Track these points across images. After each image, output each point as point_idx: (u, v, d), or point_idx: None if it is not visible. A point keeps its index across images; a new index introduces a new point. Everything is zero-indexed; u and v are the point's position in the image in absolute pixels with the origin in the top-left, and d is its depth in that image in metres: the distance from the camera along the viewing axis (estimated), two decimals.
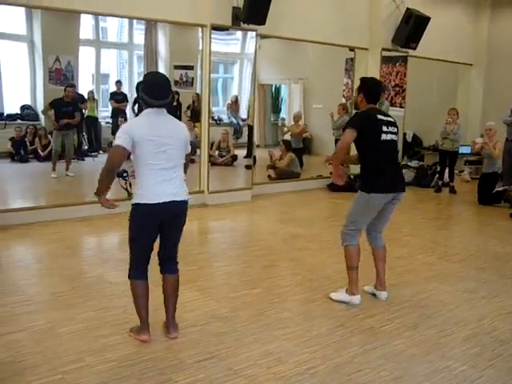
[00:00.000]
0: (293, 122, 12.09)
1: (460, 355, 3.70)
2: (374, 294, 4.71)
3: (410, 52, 10.59)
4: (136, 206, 3.54)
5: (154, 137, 3.45)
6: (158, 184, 3.51)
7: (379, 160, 4.33)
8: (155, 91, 3.51)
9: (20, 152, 10.63)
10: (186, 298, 4.37)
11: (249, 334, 3.89)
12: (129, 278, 3.70)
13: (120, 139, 3.42)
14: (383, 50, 10.30)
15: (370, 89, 4.51)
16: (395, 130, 4.43)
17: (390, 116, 4.56)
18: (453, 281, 5.23)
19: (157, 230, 3.64)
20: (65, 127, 9.29)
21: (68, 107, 9.24)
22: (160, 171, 3.51)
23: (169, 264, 3.81)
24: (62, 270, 5.13)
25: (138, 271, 3.68)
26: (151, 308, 3.86)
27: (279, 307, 4.41)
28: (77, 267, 5.30)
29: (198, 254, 5.90)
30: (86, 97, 11.38)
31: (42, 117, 11.27)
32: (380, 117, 4.36)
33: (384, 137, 4.31)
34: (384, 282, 4.67)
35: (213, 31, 7.99)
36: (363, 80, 4.61)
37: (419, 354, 3.69)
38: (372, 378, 3.36)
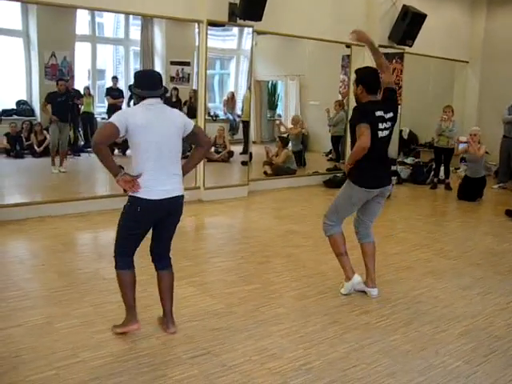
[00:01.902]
0: (287, 120, 12.12)
1: (455, 351, 3.72)
2: (363, 292, 4.68)
3: (407, 49, 10.59)
4: (133, 198, 3.51)
5: (149, 127, 3.43)
6: (155, 180, 3.49)
7: (371, 157, 4.27)
8: (146, 83, 3.54)
9: (16, 148, 10.58)
10: (181, 294, 4.37)
11: (244, 330, 3.89)
12: (116, 268, 3.65)
13: (115, 119, 3.39)
14: (379, 46, 10.24)
15: (369, 78, 4.36)
16: (390, 123, 4.36)
17: (388, 107, 4.38)
18: (448, 277, 5.25)
19: (151, 225, 3.62)
20: (61, 120, 9.31)
21: (62, 97, 9.32)
22: (156, 165, 3.49)
23: (163, 260, 3.81)
24: (58, 266, 5.13)
25: (125, 261, 3.64)
26: (145, 304, 3.87)
27: (274, 303, 4.42)
28: (73, 263, 5.30)
29: (194, 249, 5.90)
30: (82, 92, 11.34)
31: (37, 112, 11.22)
32: (378, 113, 4.27)
33: (380, 134, 4.28)
34: (374, 279, 4.66)
35: (209, 27, 7.98)
36: (359, 71, 4.47)
37: (414, 350, 3.71)
38: (367, 374, 3.37)
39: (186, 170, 3.78)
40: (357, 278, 4.59)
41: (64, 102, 9.37)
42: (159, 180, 3.50)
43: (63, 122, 9.42)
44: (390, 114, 4.38)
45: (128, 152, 10.01)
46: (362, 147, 4.18)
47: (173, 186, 3.58)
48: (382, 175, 4.47)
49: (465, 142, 9.35)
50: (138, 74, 3.70)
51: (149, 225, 3.61)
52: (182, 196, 3.68)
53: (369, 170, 4.34)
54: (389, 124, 4.36)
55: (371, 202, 4.49)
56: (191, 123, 3.69)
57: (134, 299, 3.71)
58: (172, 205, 3.60)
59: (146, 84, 3.54)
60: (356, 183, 4.38)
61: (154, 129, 3.45)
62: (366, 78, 4.37)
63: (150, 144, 3.45)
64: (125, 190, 3.54)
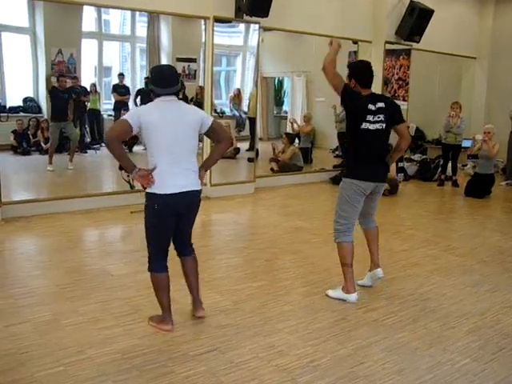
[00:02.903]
0: (294, 116, 12.12)
1: (463, 348, 3.69)
2: (370, 286, 4.71)
3: (414, 45, 10.54)
4: (151, 195, 3.53)
5: (162, 123, 3.45)
6: (170, 174, 3.51)
7: (359, 147, 4.22)
8: (162, 80, 3.54)
9: (22, 145, 10.60)
10: (188, 291, 4.36)
11: (251, 327, 3.89)
12: (149, 270, 3.71)
13: (129, 116, 3.44)
14: (387, 42, 10.26)
15: (361, 71, 4.32)
16: (382, 117, 4.22)
17: (383, 100, 4.31)
18: (456, 274, 5.22)
19: (173, 220, 3.62)
20: (61, 118, 9.23)
21: (63, 94, 9.23)
22: (171, 160, 3.50)
23: (185, 248, 3.89)
24: (65, 263, 5.13)
25: (158, 264, 3.69)
26: (150, 304, 3.86)
27: (282, 300, 4.41)
28: (80, 260, 5.29)
29: (201, 246, 5.86)
30: (88, 89, 11.35)
31: (44, 109, 11.23)
32: (370, 106, 4.19)
33: (365, 125, 4.17)
34: (378, 261, 4.65)
35: (216, 24, 7.96)
36: (351, 65, 4.42)
37: (422, 347, 3.69)
38: (375, 371, 3.35)
39: (207, 166, 3.84)
40: (354, 298, 4.41)
41: (65, 100, 9.23)
42: (173, 175, 3.52)
43: (64, 122, 9.27)
44: (380, 104, 4.25)
45: (135, 148, 10.05)
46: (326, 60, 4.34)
47: (188, 181, 3.59)
48: (377, 170, 4.35)
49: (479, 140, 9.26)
50: (154, 71, 3.73)
51: (170, 220, 3.61)
52: (199, 191, 3.70)
53: (360, 161, 4.27)
54: (379, 117, 4.22)
55: (367, 200, 4.41)
56: (209, 120, 3.68)
57: (169, 301, 3.76)
58: (188, 199, 3.62)
59: (162, 82, 3.54)
60: (348, 176, 4.31)
61: (167, 125, 3.47)
62: (359, 72, 4.32)
63: (164, 140, 3.47)
64: (143, 187, 3.55)
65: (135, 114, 3.49)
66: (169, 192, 3.50)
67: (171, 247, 3.82)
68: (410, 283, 4.91)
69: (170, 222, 3.62)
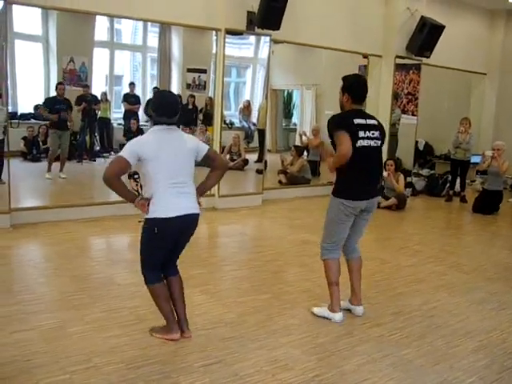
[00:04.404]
0: (303, 129, 12.17)
1: (468, 367, 3.67)
2: (349, 310, 4.48)
3: (424, 60, 10.56)
4: (152, 220, 3.53)
5: (161, 154, 3.47)
6: (171, 198, 3.52)
7: (353, 167, 4.04)
8: (164, 110, 3.54)
9: (32, 151, 10.69)
10: (194, 302, 4.37)
11: (256, 340, 3.88)
12: (146, 283, 3.72)
13: (126, 152, 3.44)
14: (397, 57, 10.28)
15: (355, 86, 4.19)
16: (376, 134, 4.15)
17: (373, 118, 4.23)
18: (462, 291, 5.20)
19: (172, 243, 3.65)
20: (61, 127, 9.28)
21: (61, 104, 9.24)
22: (170, 186, 3.51)
23: (172, 268, 3.85)
24: (72, 271, 5.15)
25: (154, 275, 3.70)
26: (155, 314, 3.87)
27: (287, 313, 4.40)
28: (86, 268, 5.31)
29: (208, 257, 5.90)
30: (99, 98, 11.44)
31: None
32: (357, 121, 4.06)
33: (360, 143, 4.04)
34: (360, 296, 4.46)
35: (226, 35, 8.01)
36: (346, 78, 4.25)
37: (427, 365, 3.67)
38: None
39: (201, 191, 3.79)
40: (339, 317, 4.29)
41: (63, 109, 9.24)
42: (173, 199, 3.53)
43: (62, 130, 9.31)
44: (373, 122, 4.18)
45: None
46: (343, 154, 3.98)
47: (187, 204, 3.60)
48: (369, 187, 4.23)
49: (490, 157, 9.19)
50: (156, 98, 3.71)
51: (169, 243, 3.64)
52: (198, 214, 3.69)
53: (353, 181, 4.14)
54: (374, 133, 4.13)
55: (357, 219, 4.30)
56: (204, 148, 3.71)
57: (172, 309, 3.77)
58: (188, 222, 3.62)
59: (163, 112, 3.53)
60: (340, 196, 4.19)
61: (167, 156, 3.49)
62: (354, 87, 4.19)
63: (164, 170, 3.50)
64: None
65: (133, 148, 3.46)
66: (170, 216, 3.50)
67: None
68: (416, 299, 4.90)
69: (168, 244, 3.65)
